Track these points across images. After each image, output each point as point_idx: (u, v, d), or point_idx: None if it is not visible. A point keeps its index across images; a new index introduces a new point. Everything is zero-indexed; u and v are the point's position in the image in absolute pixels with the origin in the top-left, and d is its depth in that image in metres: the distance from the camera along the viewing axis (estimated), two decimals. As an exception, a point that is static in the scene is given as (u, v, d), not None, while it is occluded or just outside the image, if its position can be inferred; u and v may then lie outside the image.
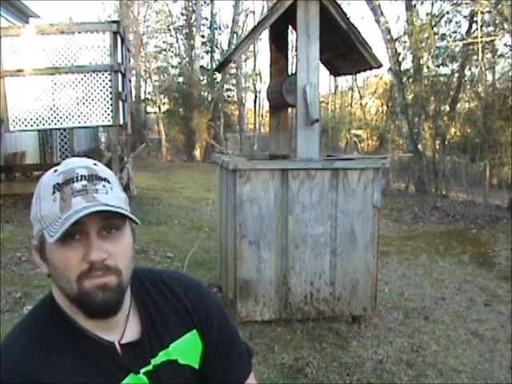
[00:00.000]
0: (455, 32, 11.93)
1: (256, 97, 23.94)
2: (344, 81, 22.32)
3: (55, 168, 0.87)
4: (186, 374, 0.99)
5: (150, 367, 0.92)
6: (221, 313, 1.06)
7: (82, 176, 0.83)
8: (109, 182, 0.87)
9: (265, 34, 4.04)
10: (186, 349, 0.99)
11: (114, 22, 6.83)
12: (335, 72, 4.32)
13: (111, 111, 6.34)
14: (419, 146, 12.19)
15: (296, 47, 3.44)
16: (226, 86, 20.28)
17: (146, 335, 0.94)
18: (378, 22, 11.83)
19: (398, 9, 38.36)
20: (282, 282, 3.36)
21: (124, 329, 0.92)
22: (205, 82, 19.67)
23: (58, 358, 0.84)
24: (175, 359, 0.96)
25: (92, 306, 0.83)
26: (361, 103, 21.85)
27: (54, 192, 0.82)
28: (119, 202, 0.86)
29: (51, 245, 0.82)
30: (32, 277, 4.15)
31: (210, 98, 18.95)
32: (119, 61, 6.40)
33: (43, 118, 6.29)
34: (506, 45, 11.04)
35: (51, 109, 6.27)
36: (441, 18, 11.89)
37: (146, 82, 22.86)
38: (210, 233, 5.78)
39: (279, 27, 3.98)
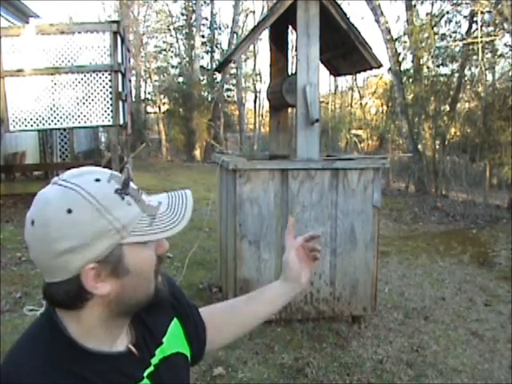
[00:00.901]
0: (455, 32, 11.94)
1: (256, 97, 23.95)
2: (344, 81, 22.36)
3: (94, 178, 0.80)
4: (181, 363, 0.99)
5: (151, 368, 0.91)
6: (179, 289, 1.09)
7: (120, 176, 0.83)
8: None
9: (265, 34, 4.05)
10: (175, 338, 1.00)
11: (113, 21, 6.83)
12: (335, 72, 4.32)
13: (111, 111, 6.34)
14: (419, 146, 12.18)
15: (296, 47, 3.44)
16: (226, 86, 20.29)
17: (141, 337, 0.93)
18: (377, 21, 11.82)
19: (398, 9, 38.40)
20: (282, 282, 3.35)
21: (130, 331, 0.92)
22: (205, 81, 19.67)
23: (64, 378, 0.79)
24: (170, 353, 0.96)
25: (162, 296, 0.87)
26: (361, 103, 21.86)
27: (122, 198, 0.79)
28: None
29: (136, 249, 0.80)
30: (32, 277, 4.16)
31: (209, 98, 18.95)
32: (119, 61, 6.40)
33: (43, 118, 6.29)
34: (506, 45, 11.05)
35: (51, 109, 6.27)
36: (441, 18, 11.89)
37: (145, 82, 22.91)
38: (210, 233, 5.78)
39: (279, 27, 3.98)
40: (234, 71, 20.64)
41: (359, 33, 3.42)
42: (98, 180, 0.79)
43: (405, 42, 12.29)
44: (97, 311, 0.82)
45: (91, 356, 0.82)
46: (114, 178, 0.81)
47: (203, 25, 19.99)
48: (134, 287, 0.82)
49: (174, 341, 0.99)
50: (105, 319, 0.83)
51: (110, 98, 6.30)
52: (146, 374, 0.90)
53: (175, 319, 1.03)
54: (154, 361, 0.93)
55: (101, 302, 0.81)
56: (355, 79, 21.35)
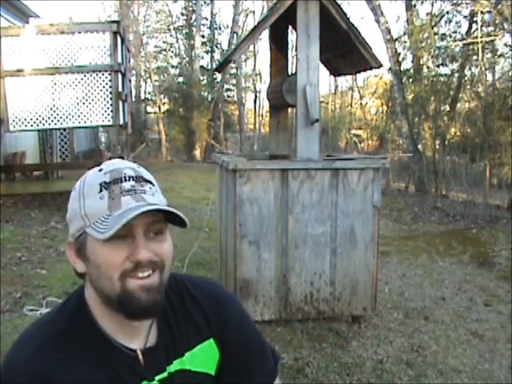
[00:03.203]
0: (455, 32, 11.93)
1: (256, 97, 23.95)
2: (344, 81, 22.35)
3: (99, 167, 0.88)
4: (201, 381, 0.98)
5: (165, 374, 0.92)
6: (241, 318, 1.05)
7: (129, 176, 0.85)
8: (153, 184, 0.89)
9: (265, 34, 4.04)
10: (202, 357, 0.98)
11: (113, 21, 6.83)
12: (335, 72, 4.32)
13: (111, 111, 6.34)
14: (419, 146, 12.18)
15: (296, 47, 3.44)
16: (226, 86, 20.28)
17: (162, 342, 0.94)
18: (378, 21, 11.83)
19: (398, 9, 38.31)
20: (282, 282, 3.36)
21: (147, 336, 0.92)
22: (205, 81, 19.67)
23: (71, 360, 0.84)
24: (189, 369, 0.96)
25: (136, 306, 0.84)
26: (361, 103, 21.85)
27: (101, 190, 0.83)
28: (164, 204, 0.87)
29: (95, 242, 0.83)
30: (32, 277, 4.16)
31: (210, 98, 18.95)
32: (119, 61, 6.40)
33: (43, 118, 6.29)
34: (506, 45, 11.04)
35: (51, 109, 6.27)
36: (441, 18, 11.88)
37: (145, 82, 22.91)
38: (210, 233, 5.78)
39: (279, 27, 3.98)
40: (234, 71, 20.64)
41: (359, 33, 3.42)
42: (100, 170, 0.87)
43: (405, 42, 12.29)
44: (91, 288, 0.88)
45: (105, 341, 0.88)
46: (113, 172, 0.85)
47: (203, 25, 20.00)
48: (97, 277, 0.85)
49: (200, 360, 0.98)
50: (99, 305, 0.88)
51: (110, 98, 6.30)
52: (157, 378, 0.91)
53: (212, 340, 1.00)
54: (170, 369, 0.93)
55: (89, 281, 0.88)
56: (355, 79, 21.37)
